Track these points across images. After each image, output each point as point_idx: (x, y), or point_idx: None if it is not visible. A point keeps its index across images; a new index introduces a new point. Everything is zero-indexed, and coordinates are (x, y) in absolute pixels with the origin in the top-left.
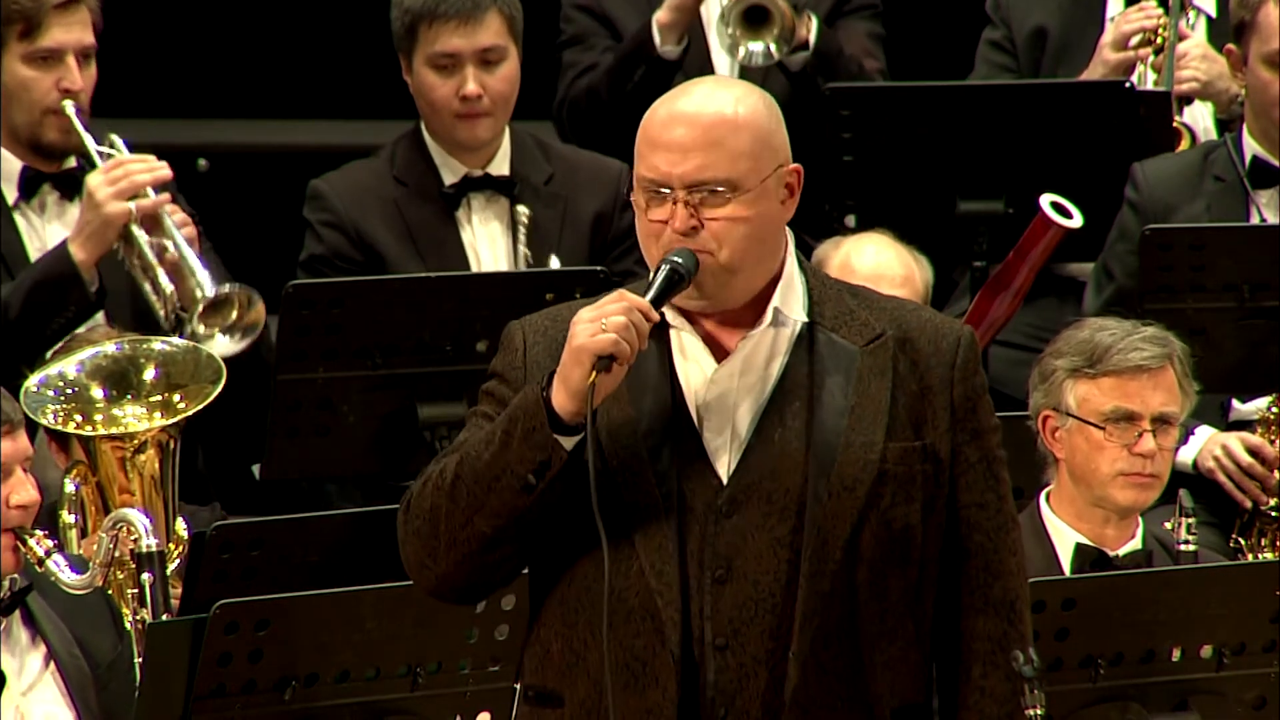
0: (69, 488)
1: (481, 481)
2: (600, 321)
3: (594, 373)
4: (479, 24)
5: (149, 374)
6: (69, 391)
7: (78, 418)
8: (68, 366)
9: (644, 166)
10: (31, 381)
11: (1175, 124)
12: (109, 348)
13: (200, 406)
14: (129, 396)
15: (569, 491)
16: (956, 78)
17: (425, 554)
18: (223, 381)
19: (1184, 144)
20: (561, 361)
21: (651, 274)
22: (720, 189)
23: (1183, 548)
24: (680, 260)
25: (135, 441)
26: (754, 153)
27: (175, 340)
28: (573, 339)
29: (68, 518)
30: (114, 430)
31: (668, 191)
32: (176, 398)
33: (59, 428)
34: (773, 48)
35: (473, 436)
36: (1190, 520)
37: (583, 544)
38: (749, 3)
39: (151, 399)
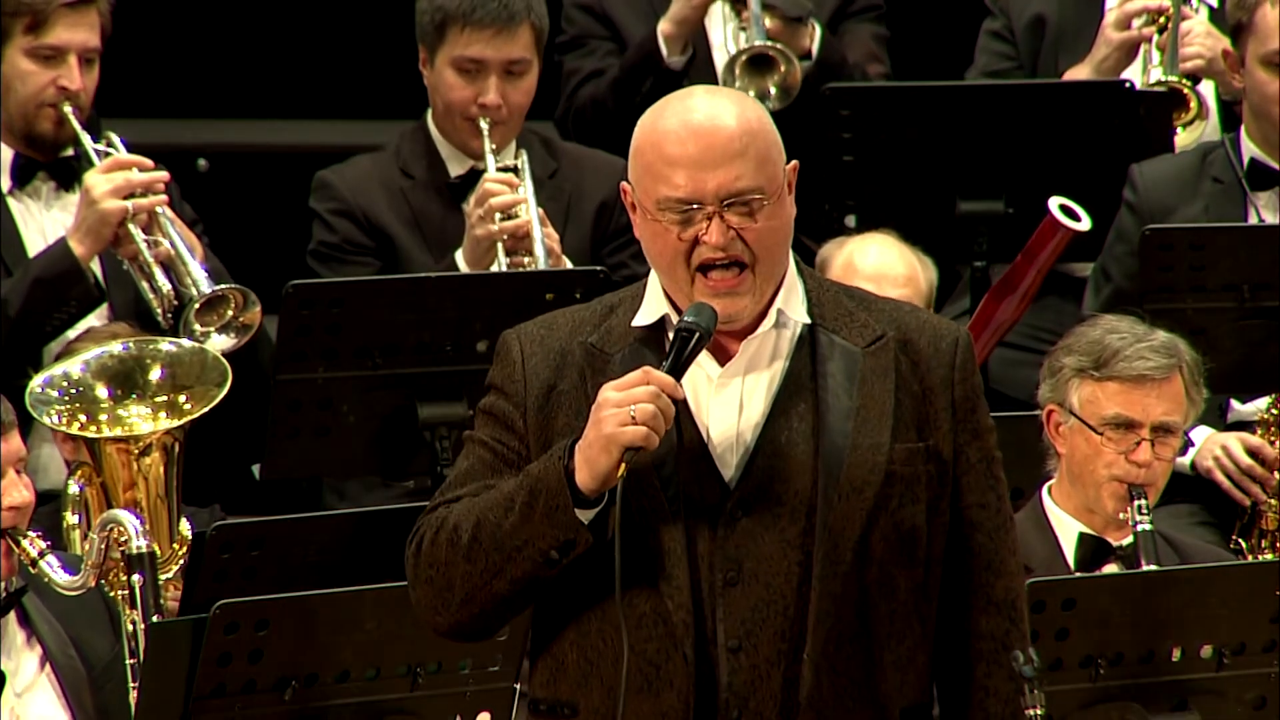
0: (72, 489)
1: (502, 550)
2: (628, 409)
3: (623, 465)
4: (511, 36)
5: (155, 374)
6: (73, 391)
7: (82, 418)
8: (72, 366)
9: (666, 186)
10: (36, 381)
11: (1185, 90)
12: (115, 348)
13: (206, 409)
14: (134, 397)
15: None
16: (957, 76)
17: (438, 603)
18: (228, 384)
19: (1192, 108)
20: (587, 440)
21: (670, 344)
22: (755, 198)
23: (1139, 529)
24: (695, 320)
25: (140, 444)
26: (772, 157)
27: (183, 341)
28: (600, 424)
29: (71, 518)
30: (118, 432)
31: (698, 208)
32: (182, 399)
33: (63, 428)
34: (772, 91)
35: (489, 496)
36: (1141, 502)
37: (593, 558)
38: (755, 51)
39: (157, 400)
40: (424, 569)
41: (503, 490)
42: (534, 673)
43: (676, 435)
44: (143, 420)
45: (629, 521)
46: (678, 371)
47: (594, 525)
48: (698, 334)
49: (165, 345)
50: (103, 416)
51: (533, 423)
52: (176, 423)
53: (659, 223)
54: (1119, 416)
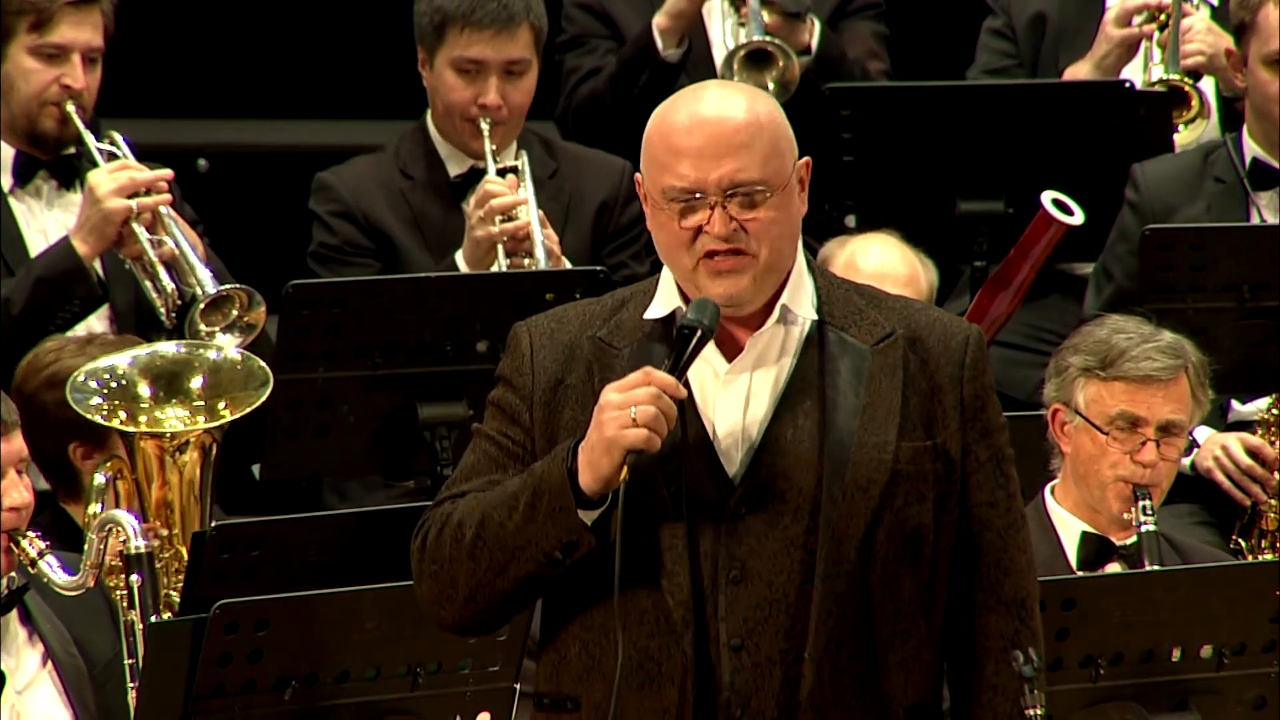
0: (99, 479)
1: (504, 549)
2: (630, 411)
3: (625, 467)
4: (511, 36)
5: (197, 381)
6: (113, 385)
7: (122, 414)
8: (120, 360)
9: (671, 176)
10: (80, 373)
11: (1186, 88)
12: (167, 348)
13: (245, 411)
14: (176, 399)
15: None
16: (957, 76)
17: (441, 598)
18: (269, 388)
19: (1193, 106)
20: (589, 442)
21: (673, 344)
22: (758, 190)
23: (1144, 529)
24: (697, 319)
25: (177, 441)
26: (780, 151)
27: (231, 351)
28: (602, 427)
29: (94, 508)
30: (156, 430)
31: (701, 198)
32: (221, 404)
33: (102, 421)
34: (770, 86)
35: (493, 494)
36: (1146, 502)
37: (600, 553)
38: (753, 47)
39: (196, 404)
40: (428, 564)
41: (507, 489)
42: (539, 666)
43: (681, 430)
44: (180, 422)
45: (633, 516)
46: (679, 371)
47: (597, 526)
48: (699, 332)
49: (213, 354)
50: (142, 417)
51: (539, 416)
52: (214, 424)
53: (665, 212)
54: (1124, 415)
